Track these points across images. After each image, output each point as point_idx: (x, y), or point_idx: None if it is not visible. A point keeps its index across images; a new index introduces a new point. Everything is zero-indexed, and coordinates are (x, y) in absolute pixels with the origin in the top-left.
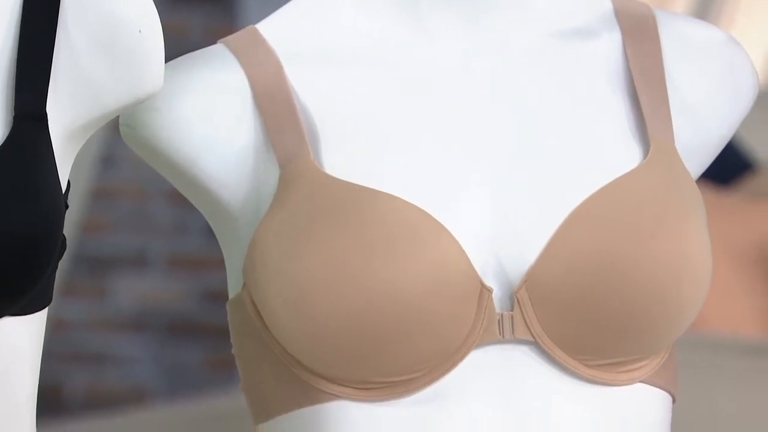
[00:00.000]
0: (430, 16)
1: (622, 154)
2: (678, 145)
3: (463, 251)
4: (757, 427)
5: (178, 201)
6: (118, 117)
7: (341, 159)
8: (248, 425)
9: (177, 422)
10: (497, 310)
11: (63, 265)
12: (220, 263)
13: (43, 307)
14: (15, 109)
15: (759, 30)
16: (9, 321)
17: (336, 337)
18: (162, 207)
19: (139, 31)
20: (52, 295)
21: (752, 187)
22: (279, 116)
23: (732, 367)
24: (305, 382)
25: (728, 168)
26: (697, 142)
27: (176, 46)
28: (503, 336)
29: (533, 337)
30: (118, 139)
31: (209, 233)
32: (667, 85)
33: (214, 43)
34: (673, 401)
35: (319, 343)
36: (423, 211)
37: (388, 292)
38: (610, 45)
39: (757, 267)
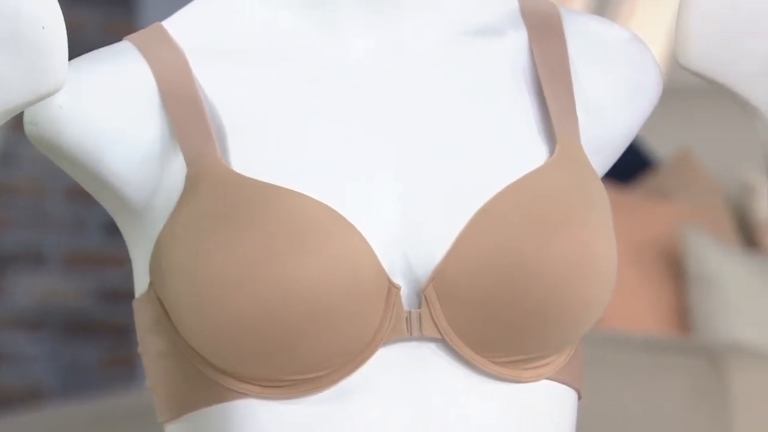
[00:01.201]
0: (337, 14)
1: (529, 152)
2: (583, 143)
3: (370, 249)
4: (656, 420)
5: (76, 198)
6: (20, 115)
7: (249, 157)
8: (147, 424)
9: (74, 421)
10: (405, 307)
11: None
12: (118, 261)
13: None
14: None
15: (657, 25)
16: None
17: (242, 335)
18: (60, 204)
19: (42, 28)
20: None
21: (652, 184)
22: (185, 114)
23: (632, 363)
24: (212, 381)
25: (628, 165)
26: (603, 140)
27: (72, 43)
28: (411, 333)
29: (440, 335)
30: (15, 137)
31: (107, 231)
32: (573, 83)
33: (111, 40)
34: (579, 398)
35: (225, 341)
36: (330, 208)
37: (294, 290)
38: (516, 43)
39: (656, 264)
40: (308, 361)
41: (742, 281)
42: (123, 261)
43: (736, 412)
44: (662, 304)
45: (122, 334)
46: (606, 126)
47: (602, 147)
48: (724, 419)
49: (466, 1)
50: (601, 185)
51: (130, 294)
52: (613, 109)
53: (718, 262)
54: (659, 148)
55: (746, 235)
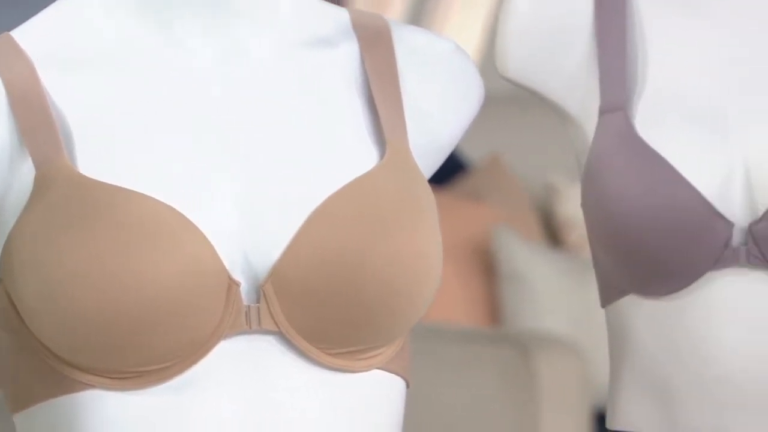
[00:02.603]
0: (178, 22)
1: (361, 156)
2: (412, 147)
3: (212, 247)
4: (469, 406)
5: None
6: None
7: (96, 160)
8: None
9: None
10: (245, 302)
11: None
12: None
13: None
14: None
15: (469, 31)
16: None
17: (89, 328)
18: None
19: None
20: None
21: (464, 187)
22: (33, 119)
23: (447, 353)
24: (60, 373)
25: (442, 169)
26: (429, 144)
27: None
28: (250, 327)
29: (278, 328)
30: None
31: None
32: (401, 90)
33: None
34: (407, 386)
35: (72, 334)
36: (173, 209)
37: (138, 286)
38: (348, 54)
39: (469, 262)
40: (152, 353)
41: (547, 276)
42: None
43: (542, 396)
44: (475, 298)
45: None
46: (432, 132)
47: (429, 151)
48: (531, 403)
49: (300, 13)
50: (428, 187)
51: None
52: (439, 115)
53: (525, 260)
54: (471, 152)
55: (551, 233)
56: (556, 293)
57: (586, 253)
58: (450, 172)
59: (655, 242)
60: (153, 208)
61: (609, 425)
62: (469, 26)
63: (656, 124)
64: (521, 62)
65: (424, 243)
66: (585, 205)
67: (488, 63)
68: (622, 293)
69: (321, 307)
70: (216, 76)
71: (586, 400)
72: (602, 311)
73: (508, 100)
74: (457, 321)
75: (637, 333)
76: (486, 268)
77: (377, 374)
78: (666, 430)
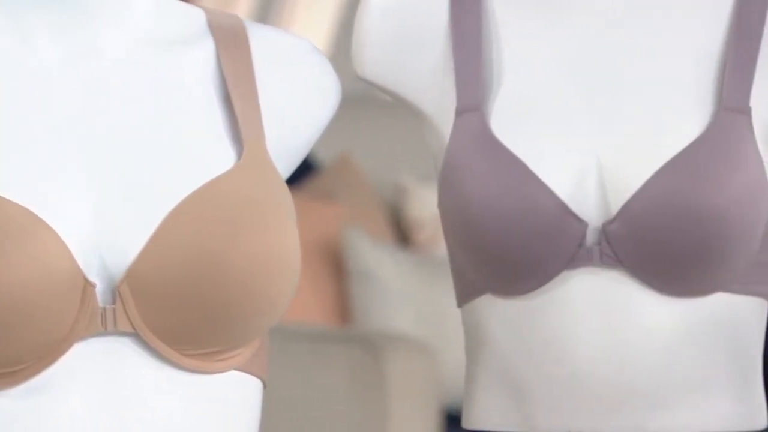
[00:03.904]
0: (29, 22)
1: (218, 157)
2: (269, 147)
3: (66, 249)
4: (319, 405)
5: None
6: None
7: None
8: None
9: None
10: (100, 304)
11: None
12: None
13: None
14: None
15: (315, 31)
16: None
17: None
18: None
19: None
20: None
21: (315, 187)
22: None
23: (298, 352)
24: None
25: None
26: (287, 145)
27: None
28: (105, 328)
29: (134, 329)
30: None
31: None
32: (258, 91)
33: None
34: (264, 387)
35: None
36: (27, 210)
37: None
38: (204, 54)
39: (319, 261)
40: (6, 355)
41: (396, 275)
42: None
43: (391, 395)
44: (325, 297)
45: None
46: (290, 132)
47: (286, 151)
48: (380, 402)
49: (156, 13)
50: (285, 187)
51: None
52: (296, 115)
53: (375, 259)
54: (321, 152)
55: (400, 233)
56: (405, 292)
57: (436, 252)
58: (300, 172)
59: (510, 242)
60: (5, 209)
61: (465, 424)
62: (316, 26)
63: (511, 125)
64: (378, 63)
65: (280, 243)
66: (441, 205)
67: (336, 62)
68: (478, 293)
69: (177, 308)
70: (69, 78)
71: (435, 399)
72: (451, 310)
73: (356, 100)
74: (308, 320)
75: (493, 332)
76: (336, 267)
77: (235, 375)
78: (521, 428)
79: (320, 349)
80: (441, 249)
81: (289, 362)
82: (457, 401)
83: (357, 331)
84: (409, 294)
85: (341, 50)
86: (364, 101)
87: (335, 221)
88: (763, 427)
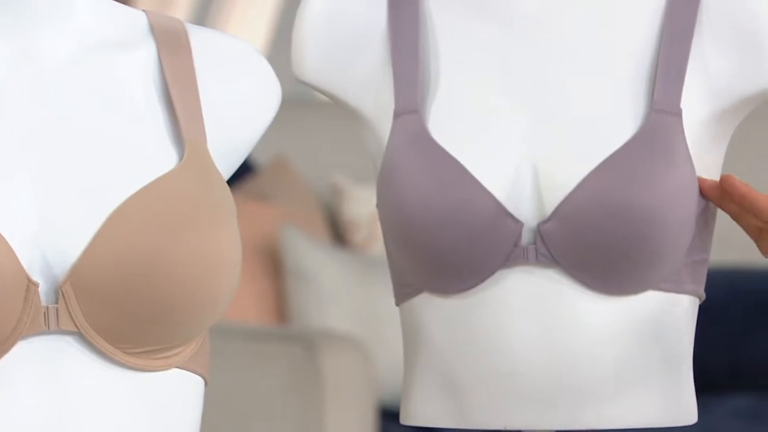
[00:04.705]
0: None
1: (160, 157)
2: (210, 148)
3: (9, 248)
4: (257, 402)
5: None
6: None
7: None
8: None
9: None
10: (43, 303)
11: None
12: None
13: None
14: None
15: (251, 34)
16: None
17: None
18: None
19: None
20: None
21: (252, 187)
22: None
23: (236, 351)
24: None
25: None
26: (228, 145)
27: None
28: (49, 327)
29: (77, 328)
30: None
31: None
32: (200, 93)
33: None
34: (206, 384)
35: None
36: None
37: None
38: (146, 56)
39: (257, 261)
40: None
41: (332, 274)
42: None
43: (327, 392)
44: (263, 297)
45: None
46: (231, 133)
47: (228, 152)
48: (317, 399)
49: (97, 15)
50: (226, 188)
51: None
52: (237, 117)
53: (311, 258)
54: (257, 153)
55: (336, 233)
56: (341, 291)
57: (371, 252)
58: (237, 173)
59: (447, 242)
60: None
61: (403, 420)
62: (252, 28)
63: (449, 127)
64: (317, 66)
65: (221, 243)
66: (380, 205)
67: (272, 64)
68: (416, 292)
69: (120, 306)
70: (13, 79)
71: (371, 395)
72: (386, 309)
73: (292, 101)
74: (245, 319)
75: (430, 330)
76: (273, 267)
77: (176, 373)
78: (457, 423)
79: (258, 347)
80: (376, 249)
81: (227, 360)
82: (393, 398)
83: (294, 330)
84: (346, 293)
85: (277, 52)
86: (300, 103)
87: (272, 222)
88: (693, 421)
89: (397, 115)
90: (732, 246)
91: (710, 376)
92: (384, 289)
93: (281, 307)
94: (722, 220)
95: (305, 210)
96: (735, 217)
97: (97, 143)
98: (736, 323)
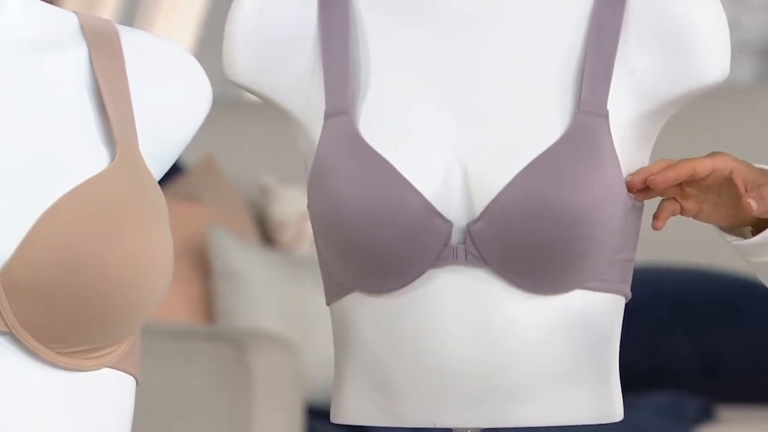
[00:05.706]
0: None
1: (91, 158)
2: (142, 150)
3: None
4: (186, 402)
5: None
6: None
7: None
8: None
9: None
10: None
11: None
12: None
13: None
14: None
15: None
16: None
17: None
18: None
19: None
20: None
21: (180, 188)
22: None
23: (164, 350)
24: None
25: None
26: (159, 146)
27: None
28: None
29: (8, 328)
30: None
31: None
32: (131, 94)
33: None
34: (137, 384)
35: None
36: None
37: None
38: (77, 58)
39: (185, 261)
40: None
41: (261, 274)
42: None
43: (256, 391)
44: (191, 296)
45: None
46: (163, 134)
47: (159, 153)
48: (245, 398)
49: (27, 17)
50: (158, 188)
51: None
52: (168, 118)
53: (240, 258)
54: (184, 154)
55: (264, 233)
56: (269, 291)
57: (299, 252)
58: (165, 173)
59: (377, 241)
60: None
61: (333, 418)
62: (180, 28)
63: (379, 127)
64: (248, 67)
65: (153, 243)
66: (311, 206)
67: (201, 64)
68: (346, 291)
69: (51, 306)
70: None
71: (300, 394)
72: (314, 308)
73: (219, 102)
74: (173, 318)
75: (361, 329)
76: (201, 267)
77: (108, 373)
78: (387, 421)
79: (186, 346)
80: (304, 249)
81: (156, 360)
82: (321, 397)
83: (222, 329)
84: (274, 293)
85: (205, 53)
86: (228, 103)
87: (200, 222)
88: (619, 418)
89: (327, 116)
90: (654, 245)
91: (632, 374)
92: (312, 289)
93: (210, 307)
94: (646, 220)
95: (233, 210)
96: (683, 197)
97: (28, 144)
98: (658, 322)
